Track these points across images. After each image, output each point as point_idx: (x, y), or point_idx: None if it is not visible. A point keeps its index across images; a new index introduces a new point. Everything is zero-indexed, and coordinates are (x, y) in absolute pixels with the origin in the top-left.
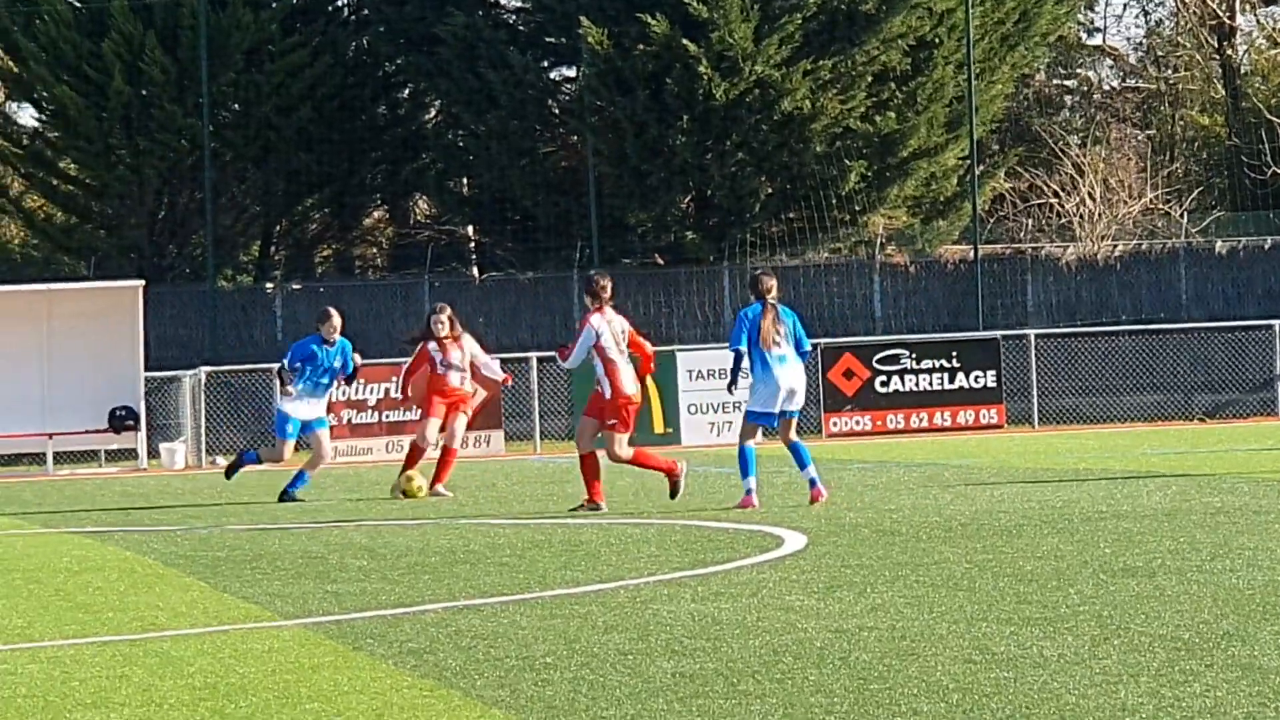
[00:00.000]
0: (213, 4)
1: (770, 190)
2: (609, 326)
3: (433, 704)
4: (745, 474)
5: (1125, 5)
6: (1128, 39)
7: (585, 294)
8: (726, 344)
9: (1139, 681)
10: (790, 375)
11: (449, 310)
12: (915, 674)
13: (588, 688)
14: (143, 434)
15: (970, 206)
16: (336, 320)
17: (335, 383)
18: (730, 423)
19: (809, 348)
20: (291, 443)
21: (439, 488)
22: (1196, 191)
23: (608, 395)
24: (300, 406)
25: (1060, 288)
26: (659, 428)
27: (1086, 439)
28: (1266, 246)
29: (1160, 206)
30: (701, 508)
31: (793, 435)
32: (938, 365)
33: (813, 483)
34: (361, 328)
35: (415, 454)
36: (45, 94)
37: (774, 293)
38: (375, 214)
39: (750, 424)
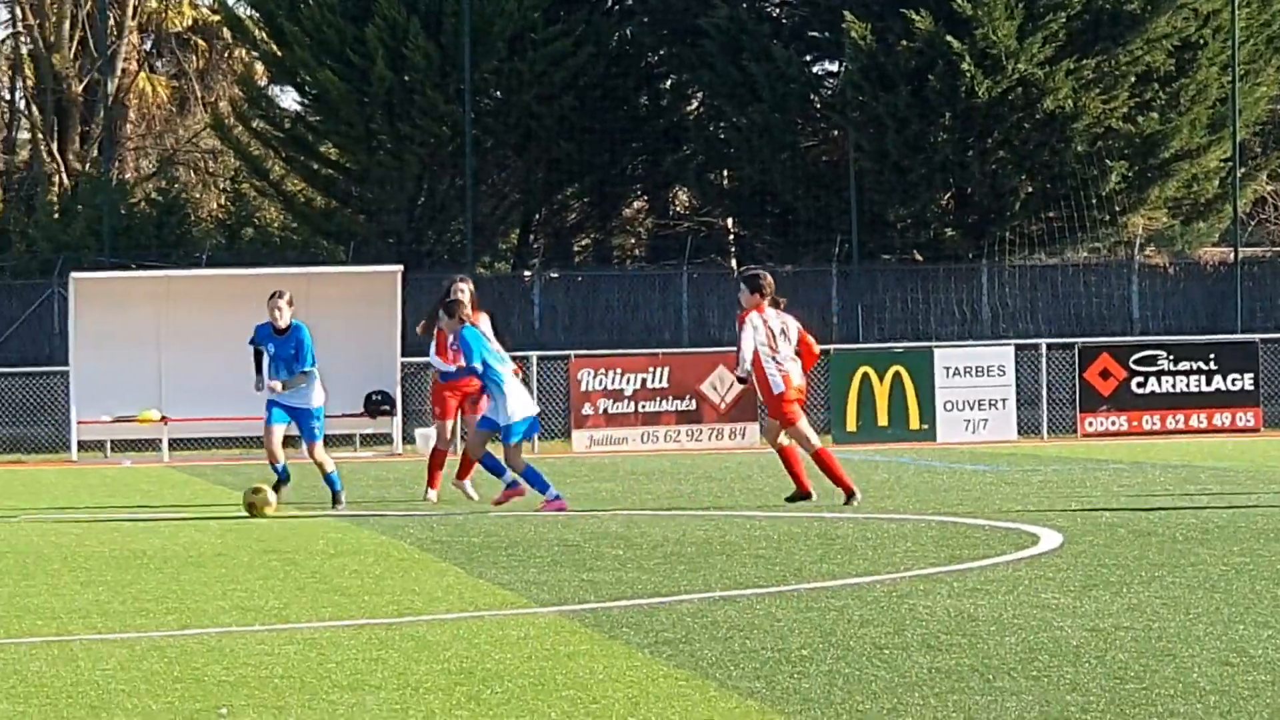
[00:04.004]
0: None
1: (1030, 189)
2: (765, 325)
3: (689, 694)
4: None
5: None
6: None
7: (751, 290)
8: (984, 342)
9: None
10: None
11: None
12: (1171, 675)
13: (843, 681)
14: (398, 419)
15: (1231, 208)
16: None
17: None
18: (986, 420)
19: None
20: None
21: (465, 483)
22: None
23: (776, 391)
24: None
25: None
26: (915, 424)
27: None
28: None
29: None
30: (958, 504)
31: None
32: (1195, 367)
33: None
34: (619, 318)
35: (438, 459)
36: (308, 78)
37: None
38: (635, 204)
39: None
